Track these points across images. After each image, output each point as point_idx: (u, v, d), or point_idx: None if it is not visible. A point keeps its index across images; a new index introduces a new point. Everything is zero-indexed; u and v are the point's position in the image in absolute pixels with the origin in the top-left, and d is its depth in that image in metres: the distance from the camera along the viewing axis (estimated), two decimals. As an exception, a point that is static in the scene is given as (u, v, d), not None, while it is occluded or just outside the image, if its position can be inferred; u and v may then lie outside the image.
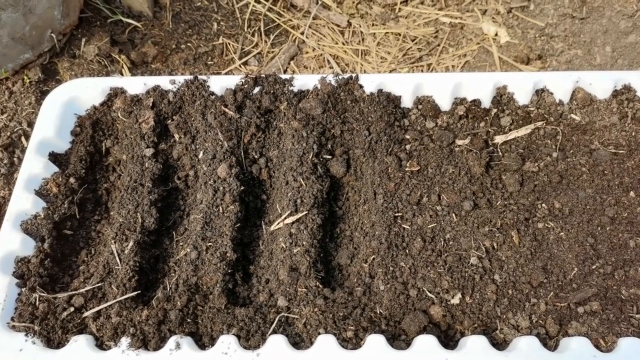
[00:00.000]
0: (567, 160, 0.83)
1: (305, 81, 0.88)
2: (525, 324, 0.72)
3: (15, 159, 0.93)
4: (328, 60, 1.09)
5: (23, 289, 0.74)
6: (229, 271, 0.76)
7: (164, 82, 0.87)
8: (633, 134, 0.84)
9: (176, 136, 0.83)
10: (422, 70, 1.09)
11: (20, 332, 0.71)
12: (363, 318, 0.72)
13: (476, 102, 0.87)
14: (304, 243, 0.77)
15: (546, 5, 1.17)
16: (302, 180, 0.81)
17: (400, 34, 1.13)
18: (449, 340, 0.72)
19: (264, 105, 0.86)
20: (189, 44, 1.08)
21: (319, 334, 0.70)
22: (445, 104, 0.87)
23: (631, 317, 0.72)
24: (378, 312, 0.73)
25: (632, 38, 1.12)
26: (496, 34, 1.14)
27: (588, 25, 1.14)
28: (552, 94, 0.88)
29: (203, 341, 0.72)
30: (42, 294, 0.73)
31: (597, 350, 0.69)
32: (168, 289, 0.74)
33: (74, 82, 0.88)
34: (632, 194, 0.80)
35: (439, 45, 1.13)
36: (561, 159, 0.83)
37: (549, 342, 0.71)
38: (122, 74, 1.01)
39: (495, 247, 0.77)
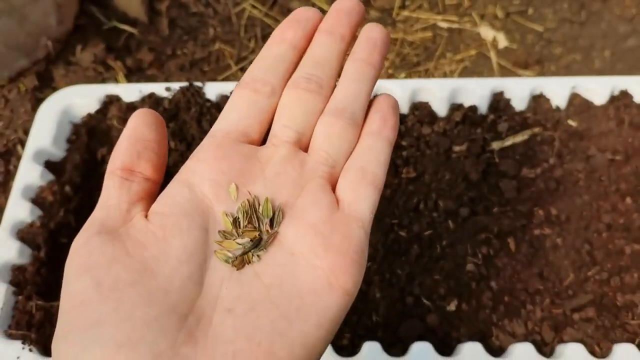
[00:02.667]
0: (564, 166, 0.82)
1: (301, 87, 0.88)
2: (521, 330, 0.71)
3: (11, 167, 0.93)
4: (325, 66, 1.08)
5: (20, 297, 0.73)
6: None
7: (159, 89, 0.86)
8: (630, 140, 0.84)
9: (171, 144, 0.83)
10: (419, 76, 1.09)
11: (17, 340, 0.70)
12: (359, 326, 0.72)
13: (473, 108, 0.86)
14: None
15: (545, 9, 1.17)
16: (298, 187, 0.80)
17: (397, 39, 1.13)
18: (445, 347, 0.71)
19: (259, 112, 0.86)
20: (185, 50, 1.08)
21: (315, 341, 0.70)
22: (442, 110, 0.87)
23: (626, 324, 0.71)
24: (374, 319, 0.73)
25: (631, 42, 1.12)
26: (494, 39, 1.13)
27: (587, 30, 1.14)
28: (549, 99, 0.88)
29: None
30: (39, 302, 0.73)
31: (592, 357, 0.68)
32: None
33: (68, 90, 0.87)
34: (628, 200, 0.79)
35: (436, 50, 1.12)
36: (558, 166, 0.82)
37: (544, 348, 0.70)
38: (117, 81, 1.01)
39: (492, 253, 0.76)
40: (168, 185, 0.38)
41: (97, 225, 0.36)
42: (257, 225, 0.37)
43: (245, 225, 0.36)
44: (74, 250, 0.35)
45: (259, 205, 0.37)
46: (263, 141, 0.42)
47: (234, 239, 0.36)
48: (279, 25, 0.44)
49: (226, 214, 0.37)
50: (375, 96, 0.43)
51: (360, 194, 0.38)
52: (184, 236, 0.35)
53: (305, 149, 0.41)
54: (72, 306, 0.32)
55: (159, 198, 0.37)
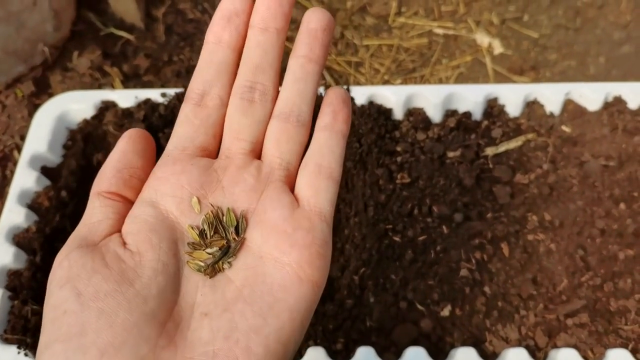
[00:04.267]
0: (558, 172, 0.82)
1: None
2: (514, 335, 0.72)
3: (7, 172, 0.93)
4: (321, 72, 1.09)
5: (15, 302, 0.74)
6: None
7: (155, 95, 0.86)
8: (623, 146, 0.84)
9: (167, 149, 0.83)
10: (415, 82, 1.09)
11: (12, 345, 0.71)
12: (353, 330, 0.72)
13: (467, 115, 0.87)
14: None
15: (540, 16, 1.17)
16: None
17: (393, 46, 1.13)
18: (439, 352, 0.72)
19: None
20: (181, 57, 1.08)
21: (309, 346, 0.70)
22: (436, 116, 0.87)
23: (619, 329, 0.72)
24: (368, 324, 0.73)
25: (625, 49, 1.12)
26: (490, 45, 1.14)
27: (582, 36, 1.14)
28: (542, 106, 0.88)
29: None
30: (35, 307, 0.73)
31: (585, 362, 0.69)
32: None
33: (64, 96, 0.87)
34: (622, 205, 0.79)
35: (432, 56, 1.13)
36: (552, 171, 0.82)
37: (538, 353, 0.71)
38: (113, 87, 1.02)
39: (486, 259, 0.77)
40: (133, 206, 0.39)
41: (78, 240, 0.37)
42: (223, 234, 0.38)
43: (212, 236, 0.38)
44: (56, 263, 0.36)
45: (222, 215, 0.38)
46: (219, 147, 0.43)
47: (204, 249, 0.38)
48: (210, 26, 0.43)
49: (192, 227, 0.38)
50: (327, 89, 0.44)
51: (319, 188, 0.40)
52: (156, 249, 0.36)
53: (259, 155, 0.42)
54: (55, 316, 0.34)
55: (127, 218, 0.38)
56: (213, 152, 0.41)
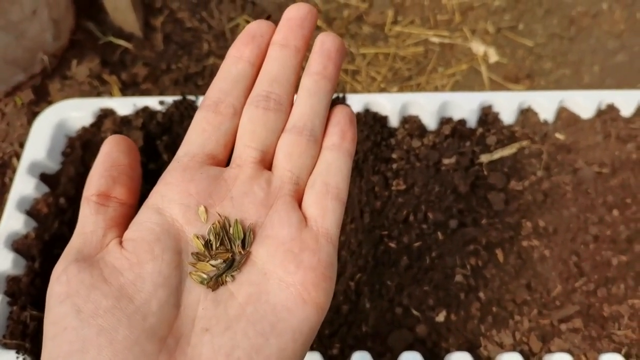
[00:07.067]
0: (552, 179, 0.83)
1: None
2: (508, 341, 0.72)
3: (7, 179, 0.94)
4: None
5: (14, 308, 0.74)
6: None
7: (153, 102, 0.87)
8: (616, 153, 0.85)
9: (165, 156, 0.84)
10: (411, 90, 1.10)
11: (11, 350, 0.71)
12: (349, 335, 0.73)
13: (462, 122, 0.87)
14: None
15: (535, 25, 1.18)
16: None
17: (389, 54, 1.14)
18: (434, 357, 0.72)
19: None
20: (179, 65, 1.09)
21: (305, 351, 0.71)
22: (431, 124, 0.88)
23: (612, 334, 0.72)
24: (364, 329, 0.73)
25: (620, 57, 1.13)
26: (485, 54, 1.15)
27: (576, 45, 1.15)
28: (537, 113, 0.89)
29: None
30: (33, 312, 0.73)
31: (578, 367, 0.70)
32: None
33: (63, 104, 0.88)
34: (615, 212, 0.80)
35: (428, 65, 1.14)
36: (545, 178, 0.83)
37: (532, 358, 0.71)
38: (112, 95, 1.02)
39: (480, 265, 0.77)
40: (139, 211, 0.39)
41: (74, 253, 0.37)
42: (229, 246, 0.38)
43: (218, 247, 0.38)
44: (54, 277, 0.36)
45: (230, 226, 0.38)
46: (228, 159, 0.43)
47: (208, 261, 0.37)
48: (235, 42, 0.44)
49: (197, 237, 0.37)
50: (332, 106, 0.44)
51: (326, 209, 0.40)
52: (158, 261, 0.36)
53: (269, 166, 0.42)
54: (55, 333, 0.34)
55: (130, 225, 0.38)
56: (223, 161, 0.42)
